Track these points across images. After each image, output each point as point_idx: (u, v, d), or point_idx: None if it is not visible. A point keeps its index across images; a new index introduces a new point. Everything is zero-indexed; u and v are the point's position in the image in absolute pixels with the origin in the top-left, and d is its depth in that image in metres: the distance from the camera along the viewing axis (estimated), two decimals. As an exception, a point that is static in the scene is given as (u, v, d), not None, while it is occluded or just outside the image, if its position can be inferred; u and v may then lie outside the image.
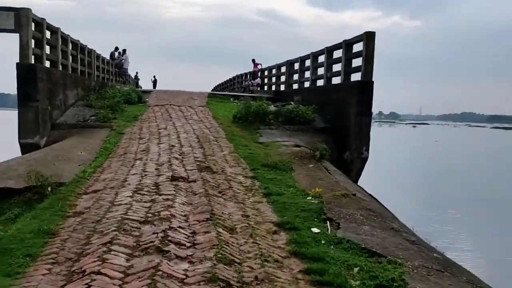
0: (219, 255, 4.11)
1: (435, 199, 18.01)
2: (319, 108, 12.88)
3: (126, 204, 5.54)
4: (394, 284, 3.87)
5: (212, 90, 35.56)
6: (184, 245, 4.35)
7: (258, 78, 23.91)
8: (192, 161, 8.18)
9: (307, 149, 10.07)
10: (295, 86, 17.49)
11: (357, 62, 11.81)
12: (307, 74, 15.95)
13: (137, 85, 35.70)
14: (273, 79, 21.77)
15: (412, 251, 4.81)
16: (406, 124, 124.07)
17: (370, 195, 7.75)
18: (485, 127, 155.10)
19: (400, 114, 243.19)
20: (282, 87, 19.60)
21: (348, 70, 12.07)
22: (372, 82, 10.80)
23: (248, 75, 26.31)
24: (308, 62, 15.65)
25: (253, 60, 24.82)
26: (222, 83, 41.55)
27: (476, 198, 18.68)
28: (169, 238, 4.46)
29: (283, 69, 19.31)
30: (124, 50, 24.51)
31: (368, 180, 13.10)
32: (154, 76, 41.52)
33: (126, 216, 5.04)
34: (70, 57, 13.97)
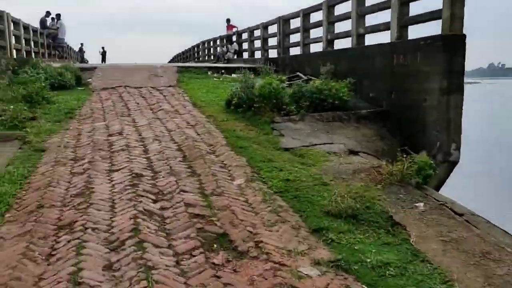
0: None
1: None
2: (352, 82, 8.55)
3: None
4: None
5: (169, 62, 30.55)
6: None
7: (235, 43, 19.11)
8: (182, 218, 3.75)
9: (378, 160, 5.77)
10: (295, 51, 13.06)
11: (420, 4, 7.60)
12: (316, 32, 11.52)
13: (82, 60, 29.99)
14: (255, 44, 17.19)
15: None
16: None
17: None
18: None
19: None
20: (272, 54, 15.04)
21: (404, 19, 7.72)
22: (464, 35, 6.54)
23: (220, 40, 21.47)
24: (317, 15, 11.18)
25: (228, 20, 19.92)
26: (181, 53, 36.15)
27: None
28: None
29: (272, 28, 14.72)
30: (58, 15, 18.93)
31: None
32: (103, 48, 35.15)
33: None
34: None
